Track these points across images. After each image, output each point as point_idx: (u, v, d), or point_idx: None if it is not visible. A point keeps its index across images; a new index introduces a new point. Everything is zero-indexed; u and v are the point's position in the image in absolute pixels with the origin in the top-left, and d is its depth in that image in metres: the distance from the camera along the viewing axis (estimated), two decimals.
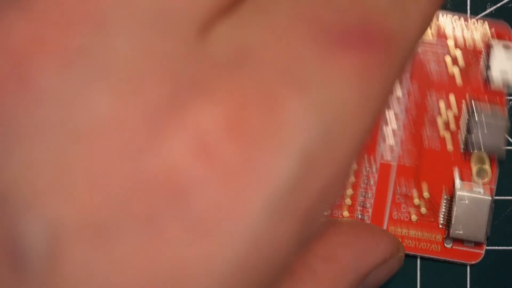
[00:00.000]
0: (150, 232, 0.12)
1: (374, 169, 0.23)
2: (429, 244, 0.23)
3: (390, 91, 0.15)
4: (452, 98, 0.23)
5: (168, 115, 0.12)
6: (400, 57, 0.15)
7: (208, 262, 0.12)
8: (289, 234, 0.13)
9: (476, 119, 0.22)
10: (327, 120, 0.14)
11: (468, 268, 0.24)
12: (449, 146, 0.23)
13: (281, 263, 0.13)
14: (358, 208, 0.23)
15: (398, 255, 0.22)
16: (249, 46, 0.13)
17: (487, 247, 0.23)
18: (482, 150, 0.22)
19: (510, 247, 0.25)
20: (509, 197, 0.25)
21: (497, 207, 0.25)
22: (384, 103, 0.15)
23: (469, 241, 0.23)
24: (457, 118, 0.23)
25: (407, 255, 0.24)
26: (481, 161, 0.23)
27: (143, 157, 0.12)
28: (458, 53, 0.23)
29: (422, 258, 0.24)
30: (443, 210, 0.23)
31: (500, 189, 0.25)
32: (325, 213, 0.14)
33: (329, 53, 0.14)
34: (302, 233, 0.14)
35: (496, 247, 0.25)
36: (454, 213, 0.22)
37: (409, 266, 0.24)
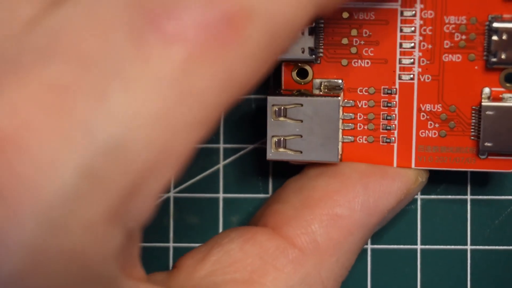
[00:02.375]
0: None
1: (393, 90, 0.22)
2: (462, 158, 0.22)
3: (234, 84, 0.14)
4: (469, 17, 0.21)
5: None
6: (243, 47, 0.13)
7: None
8: (59, 251, 0.13)
9: (497, 31, 0.21)
10: (119, 134, 0.13)
11: (469, 268, 0.24)
12: (471, 56, 0.21)
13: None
14: (382, 131, 0.22)
15: (418, 183, 0.22)
16: (59, 33, 0.13)
17: None
18: (505, 64, 0.21)
19: (510, 247, 0.24)
20: (509, 197, 0.24)
21: (497, 207, 0.24)
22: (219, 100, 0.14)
23: (503, 153, 0.21)
24: (478, 36, 0.21)
25: (406, 248, 0.24)
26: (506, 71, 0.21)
27: None
28: None
29: (422, 250, 0.24)
30: (473, 121, 0.22)
31: (500, 189, 0.24)
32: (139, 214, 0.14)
33: (142, 42, 0.13)
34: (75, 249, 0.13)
35: (496, 247, 0.24)
36: (482, 124, 0.21)
37: (409, 258, 0.24)
